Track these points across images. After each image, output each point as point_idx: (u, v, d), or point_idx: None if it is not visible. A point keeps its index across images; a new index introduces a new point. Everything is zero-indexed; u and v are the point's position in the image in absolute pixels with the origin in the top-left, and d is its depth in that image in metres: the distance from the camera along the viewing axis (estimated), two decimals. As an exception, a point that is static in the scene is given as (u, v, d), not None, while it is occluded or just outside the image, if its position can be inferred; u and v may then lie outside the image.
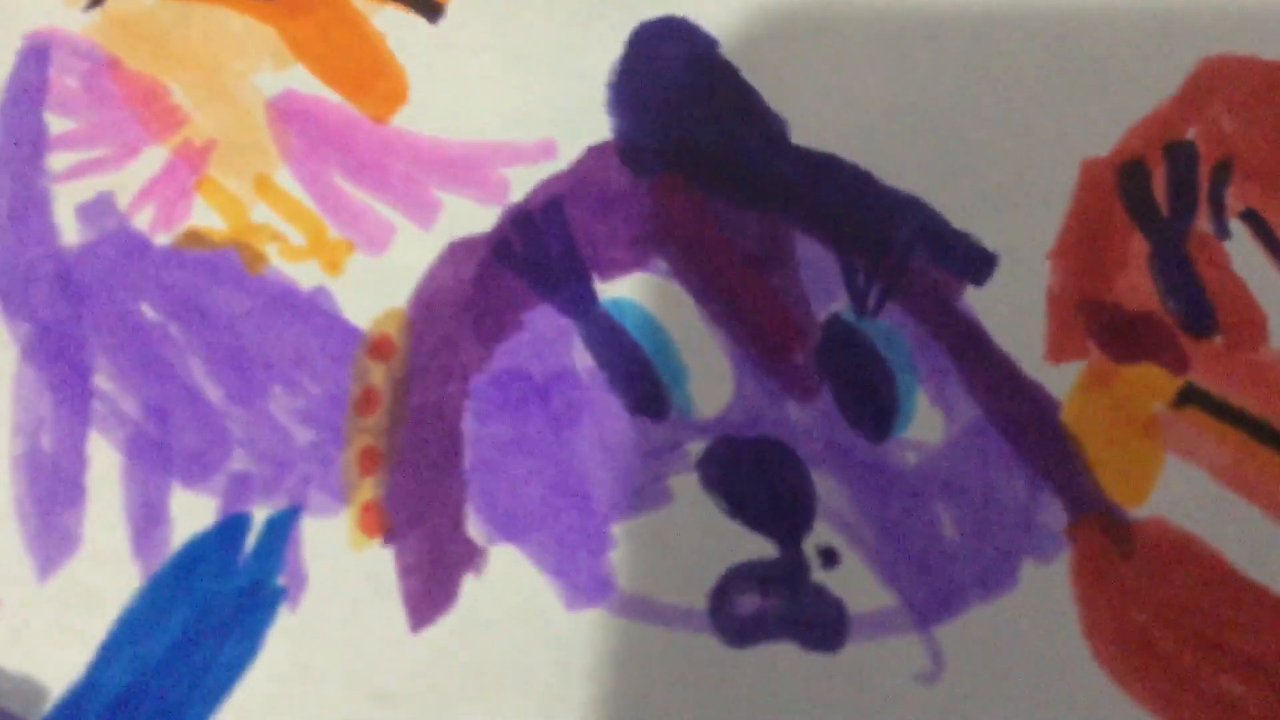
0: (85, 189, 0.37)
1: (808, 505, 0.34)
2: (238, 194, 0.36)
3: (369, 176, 0.36)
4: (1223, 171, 0.35)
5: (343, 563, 0.35)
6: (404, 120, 0.37)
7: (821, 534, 0.34)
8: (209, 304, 0.36)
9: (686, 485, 0.35)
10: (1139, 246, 0.35)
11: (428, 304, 0.36)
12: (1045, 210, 0.35)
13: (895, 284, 0.35)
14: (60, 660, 0.34)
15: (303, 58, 0.37)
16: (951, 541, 0.34)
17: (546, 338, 0.35)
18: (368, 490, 0.35)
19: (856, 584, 0.34)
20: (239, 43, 0.37)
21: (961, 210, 0.35)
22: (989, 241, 0.35)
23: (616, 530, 0.34)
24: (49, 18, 0.37)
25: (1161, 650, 0.33)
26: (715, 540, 0.34)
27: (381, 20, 0.37)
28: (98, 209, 0.36)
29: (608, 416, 0.35)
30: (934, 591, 0.34)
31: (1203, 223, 0.35)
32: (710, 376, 0.35)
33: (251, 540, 0.35)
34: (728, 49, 0.36)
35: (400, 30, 0.37)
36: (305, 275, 0.36)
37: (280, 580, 0.35)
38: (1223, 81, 0.35)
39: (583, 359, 0.35)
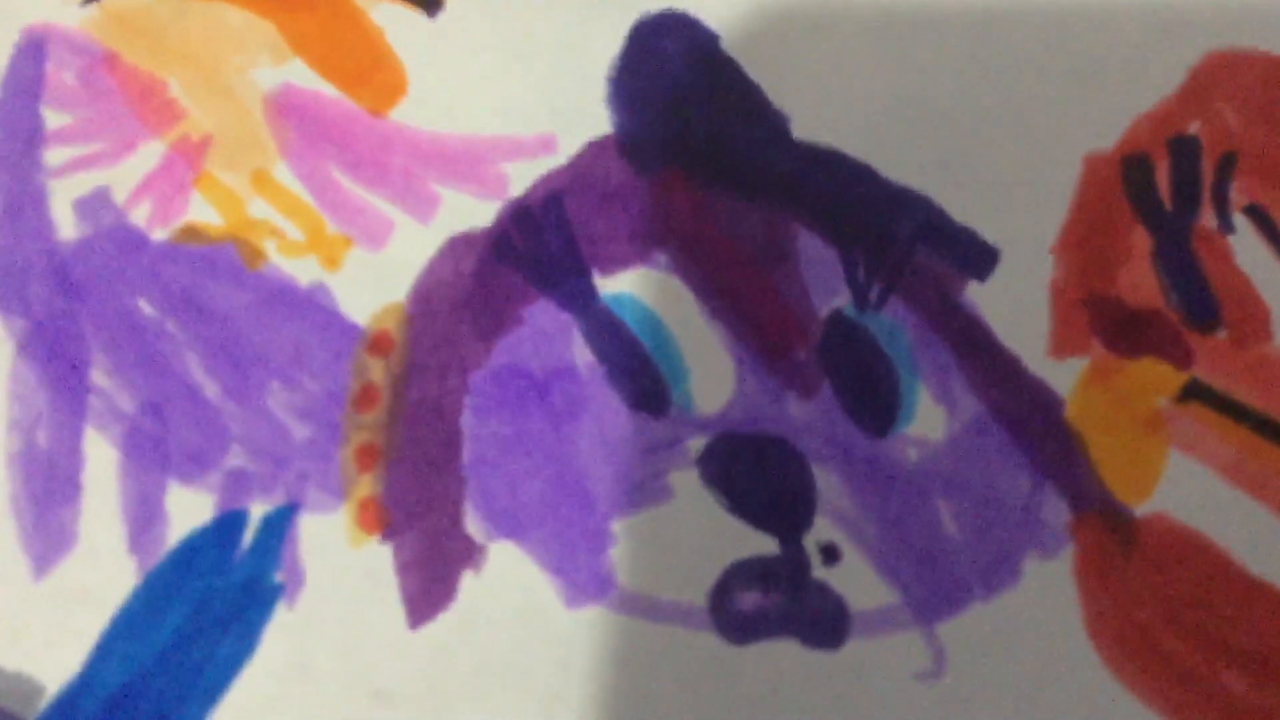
0: (82, 184, 0.36)
1: (809, 502, 0.34)
2: (235, 189, 0.36)
3: (368, 171, 0.36)
4: (1226, 166, 0.35)
5: (341, 560, 0.35)
6: (403, 115, 0.36)
7: (822, 530, 0.34)
8: (206, 300, 0.36)
9: (687, 482, 0.34)
10: (1142, 241, 0.35)
11: (427, 300, 0.36)
12: (1048, 205, 0.35)
13: (897, 279, 0.35)
14: (56, 658, 0.34)
15: (301, 52, 0.37)
16: (953, 538, 0.34)
17: (546, 333, 0.35)
18: (366, 487, 0.35)
19: (858, 581, 0.34)
20: (237, 37, 0.37)
21: (964, 205, 0.35)
22: (991, 236, 0.35)
23: (616, 527, 0.34)
24: (46, 12, 0.37)
25: (1164, 647, 0.33)
26: (716, 537, 0.34)
27: (380, 14, 0.37)
28: (94, 204, 0.36)
29: (608, 412, 0.35)
30: (936, 588, 0.34)
31: (1206, 217, 0.35)
32: (711, 372, 0.35)
33: (249, 537, 0.35)
34: (729, 43, 0.36)
35: (399, 24, 0.37)
36: (303, 271, 0.36)
37: (278, 577, 0.34)
38: (1227, 76, 0.35)
39: (583, 355, 0.35)
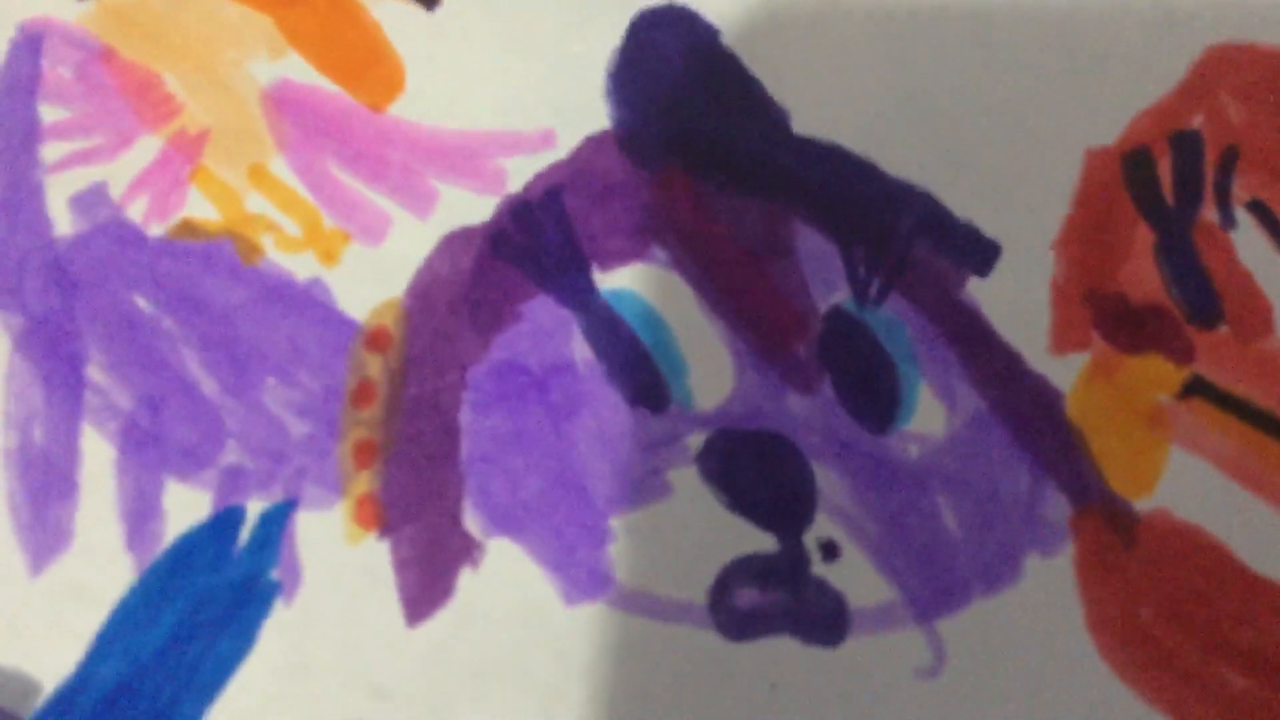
0: (78, 179, 0.36)
1: (808, 498, 0.34)
2: (232, 184, 0.36)
3: (365, 166, 0.36)
4: (1229, 161, 0.35)
5: (338, 556, 0.34)
6: (401, 110, 0.36)
7: (822, 527, 0.34)
8: (203, 295, 0.36)
9: (686, 478, 0.34)
10: (1144, 236, 0.35)
11: (425, 295, 0.35)
12: (1049, 200, 0.35)
13: (897, 275, 0.35)
14: (53, 655, 0.34)
15: (298, 46, 0.37)
16: (953, 534, 0.34)
17: (545, 329, 0.35)
18: (364, 483, 0.35)
19: (857, 578, 0.34)
20: (234, 31, 0.37)
21: (964, 200, 0.35)
22: (992, 231, 0.35)
23: (615, 524, 0.34)
24: (42, 7, 0.37)
25: (1165, 643, 0.33)
26: (715, 534, 0.34)
27: (378, 9, 0.37)
28: (91, 199, 0.36)
29: (606, 409, 0.35)
30: (936, 585, 0.34)
31: (1208, 212, 0.35)
32: (710, 368, 0.35)
33: (246, 534, 0.35)
34: (729, 38, 0.36)
35: (397, 18, 0.37)
36: (301, 266, 0.36)
37: (275, 574, 0.34)
38: (1228, 70, 0.35)
39: (581, 350, 0.35)
